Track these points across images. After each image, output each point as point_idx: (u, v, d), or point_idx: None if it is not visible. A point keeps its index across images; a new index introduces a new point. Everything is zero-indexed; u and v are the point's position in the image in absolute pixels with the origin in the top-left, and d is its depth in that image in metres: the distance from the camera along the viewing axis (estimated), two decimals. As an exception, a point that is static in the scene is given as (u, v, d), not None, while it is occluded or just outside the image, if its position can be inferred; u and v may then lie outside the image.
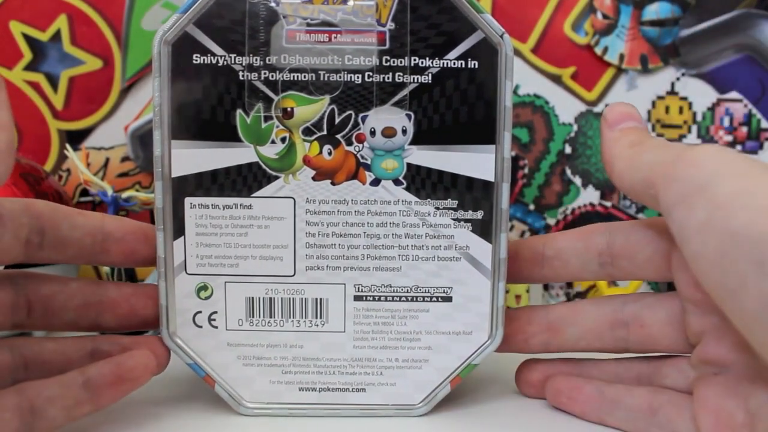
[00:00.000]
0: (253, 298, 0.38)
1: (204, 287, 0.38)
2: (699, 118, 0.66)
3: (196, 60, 0.36)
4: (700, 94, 0.67)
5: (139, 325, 0.39)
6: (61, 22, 0.62)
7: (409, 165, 0.37)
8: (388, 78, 0.36)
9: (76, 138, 0.63)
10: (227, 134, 0.37)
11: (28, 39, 0.61)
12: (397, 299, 0.38)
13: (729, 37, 0.65)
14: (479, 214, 0.38)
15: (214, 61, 0.36)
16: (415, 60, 0.36)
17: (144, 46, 0.63)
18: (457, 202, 0.37)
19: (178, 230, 0.38)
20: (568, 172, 0.67)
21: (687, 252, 0.29)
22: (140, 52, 0.63)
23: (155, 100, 0.37)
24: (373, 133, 0.37)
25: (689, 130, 0.66)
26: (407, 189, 0.37)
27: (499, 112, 0.37)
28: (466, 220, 0.38)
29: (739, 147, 0.66)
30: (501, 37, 0.36)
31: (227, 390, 0.39)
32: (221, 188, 0.37)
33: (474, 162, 0.37)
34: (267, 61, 0.36)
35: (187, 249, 0.38)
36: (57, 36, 0.62)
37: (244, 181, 0.37)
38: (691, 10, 0.65)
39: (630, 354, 0.39)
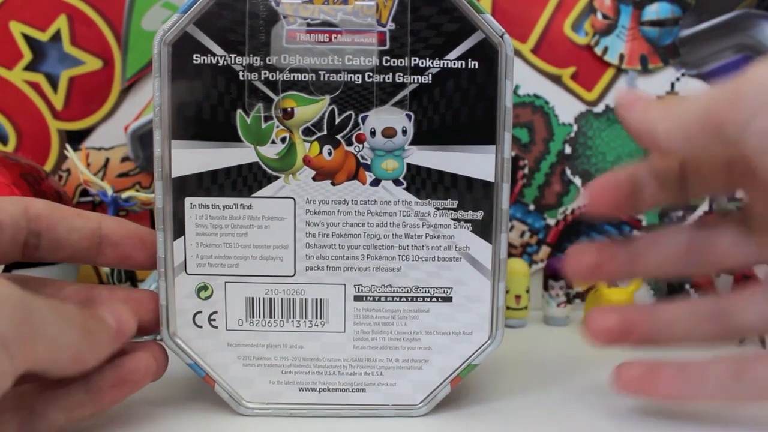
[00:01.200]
0: (253, 298, 0.38)
1: (204, 287, 0.38)
2: (699, 118, 0.65)
3: (197, 60, 0.36)
4: (700, 95, 0.65)
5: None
6: (61, 22, 0.61)
7: (409, 165, 0.37)
8: (389, 78, 0.36)
9: (76, 138, 0.62)
10: (227, 134, 0.36)
11: (28, 39, 0.61)
12: (397, 299, 0.38)
13: (729, 37, 0.64)
14: (479, 215, 0.37)
15: (214, 61, 0.36)
16: (415, 60, 0.36)
17: (144, 46, 0.62)
18: (457, 202, 0.37)
19: (178, 230, 0.37)
20: (568, 172, 0.66)
21: None
22: (140, 52, 0.62)
23: (155, 100, 0.36)
24: (373, 133, 0.36)
25: (689, 131, 0.65)
26: (407, 189, 0.37)
27: (499, 112, 0.37)
28: (466, 221, 0.37)
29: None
30: (501, 37, 0.36)
31: (227, 390, 0.38)
32: (221, 188, 0.37)
33: (474, 162, 0.37)
34: (267, 62, 0.36)
35: (187, 249, 0.37)
36: (57, 36, 0.61)
37: (244, 181, 0.37)
38: (691, 10, 0.64)
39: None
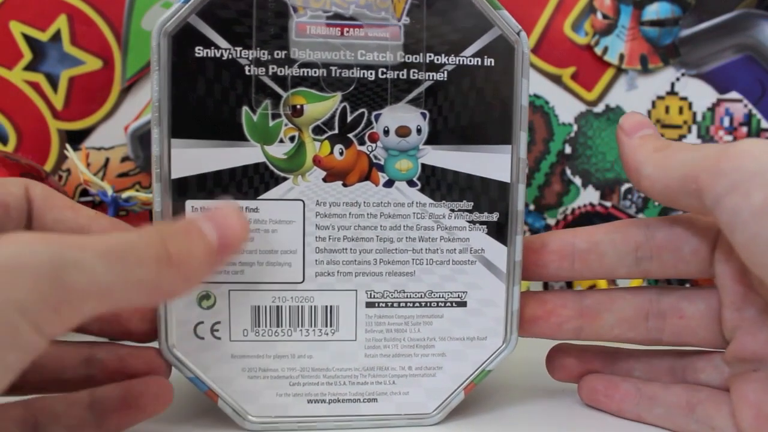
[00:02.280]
0: (259, 306, 0.35)
1: (206, 296, 0.35)
2: (699, 118, 0.64)
3: (199, 53, 0.33)
4: (700, 95, 0.64)
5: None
6: (61, 22, 0.59)
7: (423, 166, 0.35)
8: (403, 75, 0.34)
9: (76, 138, 0.61)
10: (232, 133, 0.34)
11: (28, 39, 0.59)
12: (411, 305, 0.36)
13: (729, 37, 0.63)
14: (495, 216, 0.35)
15: (218, 55, 0.33)
16: (430, 57, 0.34)
17: (144, 46, 0.60)
18: (472, 203, 0.35)
19: None
20: (568, 172, 0.65)
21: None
22: (140, 52, 0.60)
23: (154, 96, 0.33)
24: (386, 132, 0.34)
25: (689, 130, 0.64)
26: (422, 191, 0.35)
27: (515, 111, 0.35)
28: (482, 223, 0.35)
29: (738, 147, 0.64)
30: (518, 34, 0.34)
31: (231, 405, 0.36)
32: (225, 190, 0.34)
33: (490, 162, 0.35)
34: (275, 56, 0.34)
35: None
36: (57, 36, 0.59)
37: (250, 182, 0.34)
38: (691, 10, 0.63)
39: (661, 347, 0.38)
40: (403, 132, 0.34)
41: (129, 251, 0.26)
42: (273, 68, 0.34)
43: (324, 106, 0.34)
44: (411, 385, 0.36)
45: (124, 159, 0.61)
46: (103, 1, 0.60)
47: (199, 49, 0.33)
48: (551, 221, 0.65)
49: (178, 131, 0.34)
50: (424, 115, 0.34)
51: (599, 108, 0.64)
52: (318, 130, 0.34)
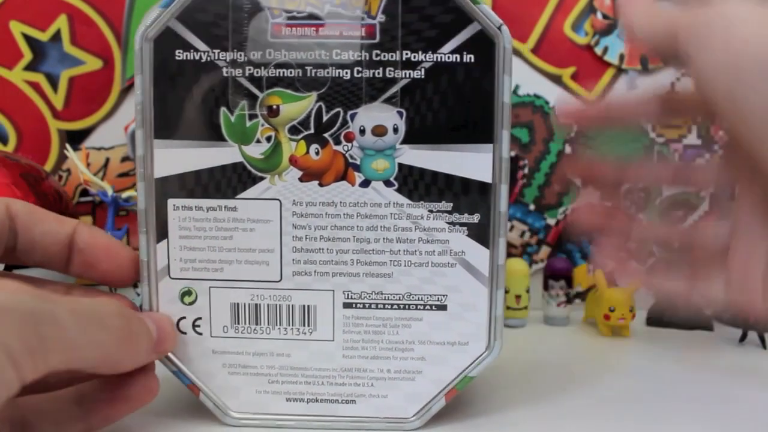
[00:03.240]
0: (238, 304, 0.35)
1: (188, 292, 0.35)
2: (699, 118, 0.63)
3: (179, 56, 0.33)
4: (701, 95, 0.63)
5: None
6: (61, 22, 0.59)
7: (400, 165, 0.33)
8: (379, 73, 0.33)
9: (76, 138, 0.60)
10: (211, 133, 0.33)
11: (28, 39, 0.59)
12: (389, 307, 0.35)
13: (729, 37, 0.62)
14: (475, 218, 0.34)
15: (197, 57, 0.33)
16: (406, 54, 0.33)
17: (144, 46, 0.60)
18: (452, 204, 0.34)
19: (161, 233, 0.34)
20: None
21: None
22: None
23: (137, 98, 0.34)
24: (362, 131, 0.33)
25: (689, 130, 0.63)
26: (399, 191, 0.34)
27: (496, 109, 0.33)
28: (462, 224, 0.34)
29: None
30: (498, 28, 0.33)
31: (213, 399, 0.35)
32: (205, 189, 0.34)
33: (470, 162, 0.33)
34: (251, 57, 0.33)
35: (170, 252, 0.34)
36: (57, 36, 0.59)
37: (228, 182, 0.34)
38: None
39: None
40: (379, 131, 0.33)
41: (96, 316, 0.28)
42: (249, 69, 0.33)
43: (299, 106, 0.33)
44: (390, 389, 0.35)
45: (124, 159, 0.61)
46: (103, 1, 0.59)
47: (179, 53, 0.33)
48: (551, 221, 0.64)
49: (160, 132, 0.34)
50: (401, 113, 0.33)
51: (599, 108, 0.63)
52: (294, 130, 0.33)
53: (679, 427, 0.36)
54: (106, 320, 0.29)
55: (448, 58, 0.33)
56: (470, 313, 0.35)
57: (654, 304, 0.58)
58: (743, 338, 0.52)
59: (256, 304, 0.35)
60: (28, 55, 0.59)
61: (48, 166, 0.60)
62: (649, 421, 0.37)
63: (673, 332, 0.56)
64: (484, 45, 0.33)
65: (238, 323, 0.35)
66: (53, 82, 0.59)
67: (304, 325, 0.35)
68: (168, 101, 0.34)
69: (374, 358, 0.35)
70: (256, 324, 0.35)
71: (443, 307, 0.35)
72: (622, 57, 0.62)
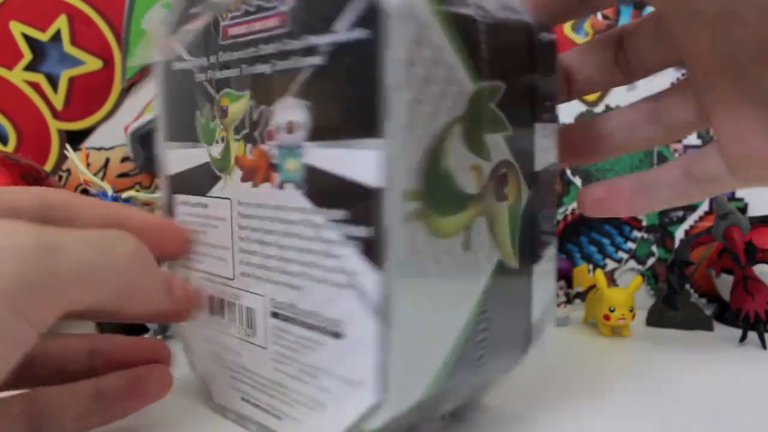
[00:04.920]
0: (212, 296, 0.36)
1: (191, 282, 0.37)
2: (699, 118, 0.63)
3: (175, 67, 0.35)
4: (700, 95, 0.63)
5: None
6: (61, 22, 0.59)
7: (305, 166, 0.29)
8: (290, 65, 0.29)
9: (76, 138, 0.60)
10: (192, 136, 0.35)
11: (28, 39, 0.59)
12: (300, 324, 0.30)
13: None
14: (365, 232, 0.27)
15: (183, 66, 0.35)
16: (307, 39, 0.28)
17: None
18: (346, 213, 0.27)
19: None
20: (568, 172, 0.63)
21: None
22: (140, 52, 0.60)
23: (156, 107, 0.38)
24: (278, 129, 0.30)
25: (689, 131, 0.63)
26: (307, 195, 0.29)
27: (380, 94, 0.25)
28: (354, 238, 0.27)
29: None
30: None
31: (201, 382, 0.37)
32: (192, 187, 0.36)
33: (359, 161, 0.27)
34: (211, 61, 0.33)
35: None
36: (57, 36, 0.59)
37: (202, 180, 0.35)
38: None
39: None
40: (290, 128, 0.29)
41: (107, 240, 0.27)
42: (210, 73, 0.33)
43: (239, 106, 0.32)
44: (303, 414, 0.31)
45: (124, 159, 0.61)
46: (103, 1, 0.59)
47: (175, 64, 0.35)
48: (552, 221, 0.64)
49: (168, 136, 0.37)
50: (307, 107, 0.29)
51: (599, 108, 0.62)
52: (237, 130, 0.32)
53: (678, 427, 0.36)
54: (118, 244, 0.27)
55: (346, 37, 0.26)
56: (361, 348, 0.28)
57: (654, 304, 0.59)
58: (743, 338, 0.52)
59: (221, 299, 0.35)
60: (28, 55, 0.59)
61: (48, 167, 0.60)
62: (649, 421, 0.37)
63: (673, 332, 0.55)
64: (378, 18, 0.25)
65: (212, 315, 0.36)
66: (53, 82, 0.59)
67: (249, 327, 0.34)
68: (170, 107, 0.37)
69: (293, 377, 0.32)
70: (223, 318, 0.35)
71: (339, 336, 0.29)
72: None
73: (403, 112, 0.26)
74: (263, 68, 0.30)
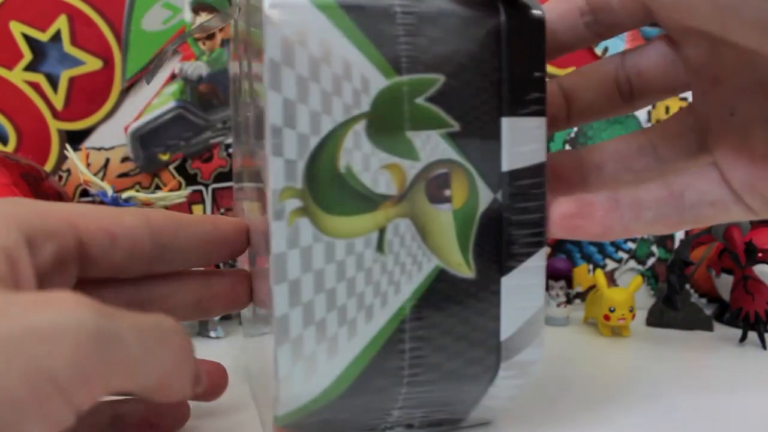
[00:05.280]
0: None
1: None
2: (699, 118, 0.63)
3: None
4: (700, 95, 0.63)
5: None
6: (61, 23, 0.58)
7: None
8: None
9: (76, 138, 0.60)
10: None
11: (28, 39, 0.58)
12: None
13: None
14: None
15: None
16: None
17: (144, 46, 0.59)
18: None
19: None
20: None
21: None
22: (140, 52, 0.59)
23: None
24: None
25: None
26: None
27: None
28: None
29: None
30: None
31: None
32: None
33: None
34: None
35: None
36: (57, 36, 0.58)
37: None
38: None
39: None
40: None
41: (159, 333, 0.26)
42: None
43: None
44: None
45: (124, 159, 0.60)
46: (103, 1, 0.58)
47: None
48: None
49: None
50: None
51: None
52: None
53: (679, 427, 0.36)
54: (168, 337, 0.27)
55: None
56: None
57: (654, 304, 0.59)
58: (743, 338, 0.52)
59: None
60: (28, 56, 0.58)
61: (48, 167, 0.59)
62: (649, 421, 0.37)
63: (673, 332, 0.56)
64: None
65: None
66: (53, 83, 0.59)
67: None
68: None
69: None
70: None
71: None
72: (621, 57, 0.62)
73: (279, 112, 0.26)
74: None
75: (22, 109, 0.59)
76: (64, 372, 0.22)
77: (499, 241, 0.30)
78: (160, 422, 0.32)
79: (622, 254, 0.64)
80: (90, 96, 0.59)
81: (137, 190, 0.60)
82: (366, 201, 0.28)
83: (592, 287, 0.58)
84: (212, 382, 0.34)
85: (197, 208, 0.60)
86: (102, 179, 0.59)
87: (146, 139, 0.60)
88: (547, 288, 0.58)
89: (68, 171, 0.60)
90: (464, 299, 0.30)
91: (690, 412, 0.38)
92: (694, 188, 0.31)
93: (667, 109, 0.62)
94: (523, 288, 0.31)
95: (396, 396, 0.30)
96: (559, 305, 0.58)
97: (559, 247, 0.64)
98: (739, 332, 0.53)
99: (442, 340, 0.30)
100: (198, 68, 0.60)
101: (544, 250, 0.31)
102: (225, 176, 0.60)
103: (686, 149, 0.32)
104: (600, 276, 0.55)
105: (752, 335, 0.52)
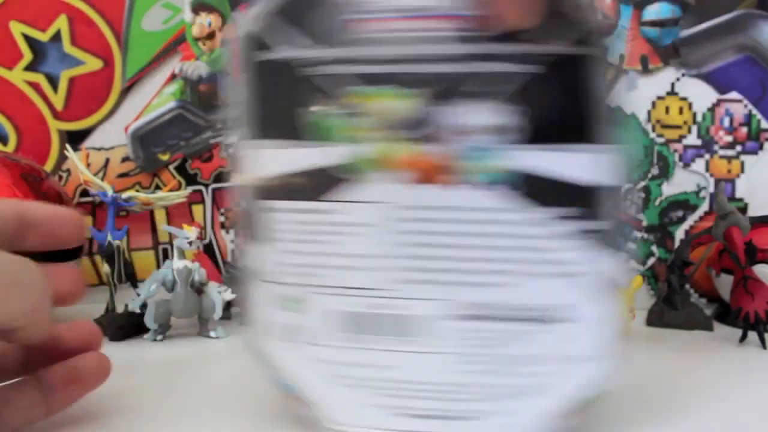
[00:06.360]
0: (344, 311, 0.32)
1: (291, 298, 0.32)
2: (699, 118, 0.62)
3: (261, 58, 0.32)
4: (700, 95, 0.62)
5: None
6: (61, 23, 0.58)
7: (511, 168, 0.30)
8: (490, 67, 0.29)
9: (76, 138, 0.60)
10: (294, 133, 0.31)
11: (28, 39, 0.58)
12: (501, 319, 0.31)
13: (729, 38, 0.61)
14: (600, 225, 0.30)
15: (275, 57, 0.31)
16: (526, 46, 0.29)
17: (144, 46, 0.60)
18: (578, 210, 0.30)
19: (263, 236, 0.32)
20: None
21: None
22: (140, 52, 0.60)
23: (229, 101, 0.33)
24: (468, 130, 0.29)
25: (689, 131, 0.62)
26: (526, 195, 0.30)
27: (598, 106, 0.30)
28: (589, 231, 0.30)
29: (739, 147, 0.63)
30: None
31: (310, 407, 0.33)
32: (297, 192, 0.31)
33: (575, 163, 0.29)
34: (337, 53, 0.31)
35: (272, 256, 0.32)
36: (57, 36, 0.59)
37: (315, 184, 0.31)
38: (691, 11, 0.62)
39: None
40: (491, 130, 0.31)
41: (8, 274, 0.28)
42: (336, 67, 0.31)
43: (404, 104, 0.31)
44: (509, 406, 0.32)
45: (124, 159, 0.61)
46: (103, 1, 0.59)
47: (261, 56, 0.32)
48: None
49: (255, 134, 0.33)
50: (522, 112, 0.31)
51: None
52: (398, 129, 0.31)
53: (679, 427, 0.36)
54: (30, 267, 0.28)
55: (569, 51, 0.30)
56: (585, 329, 0.31)
57: (654, 304, 0.59)
58: (743, 338, 0.52)
59: (362, 313, 0.32)
60: (28, 56, 0.58)
61: (48, 167, 0.60)
62: (649, 421, 0.37)
63: (673, 332, 0.55)
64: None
65: (345, 332, 0.32)
66: (53, 83, 0.59)
67: (413, 336, 0.31)
68: (257, 102, 0.32)
69: (488, 372, 0.31)
70: (360, 333, 0.32)
71: (562, 321, 0.31)
72: (622, 57, 0.62)
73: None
74: (436, 68, 0.29)
75: (22, 109, 0.59)
76: None
77: None
78: (79, 376, 0.34)
79: (622, 254, 0.64)
80: (90, 96, 0.60)
81: (137, 190, 0.60)
82: None
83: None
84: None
85: (197, 208, 0.60)
86: (102, 179, 0.59)
87: (146, 139, 0.60)
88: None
89: (68, 171, 0.60)
90: None
91: (690, 412, 0.38)
92: None
93: (667, 109, 0.62)
94: None
95: None
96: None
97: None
98: (739, 332, 0.53)
99: None
100: (198, 68, 0.60)
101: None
102: (225, 176, 0.60)
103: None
104: (600, 276, 0.55)
105: (752, 335, 0.52)
